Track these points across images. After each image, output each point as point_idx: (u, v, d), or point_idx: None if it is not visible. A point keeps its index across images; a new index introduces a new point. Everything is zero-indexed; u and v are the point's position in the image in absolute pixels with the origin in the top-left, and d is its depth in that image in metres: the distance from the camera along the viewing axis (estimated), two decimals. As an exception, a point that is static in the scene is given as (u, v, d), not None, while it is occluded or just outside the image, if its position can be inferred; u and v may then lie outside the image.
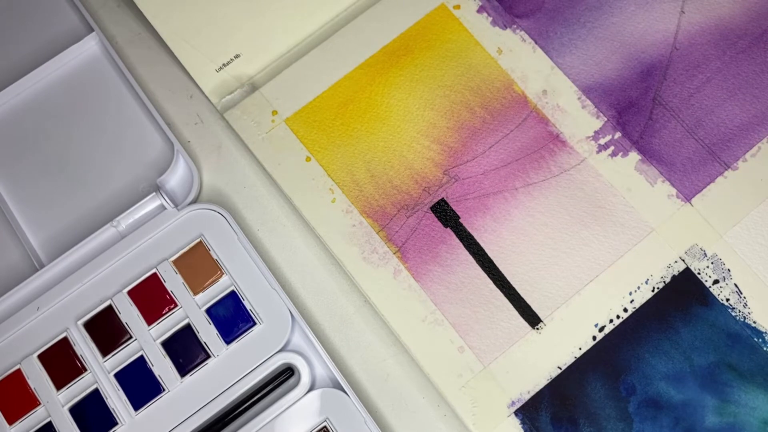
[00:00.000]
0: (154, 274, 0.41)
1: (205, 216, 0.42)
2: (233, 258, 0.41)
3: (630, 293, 0.40)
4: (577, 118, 0.43)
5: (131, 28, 0.48)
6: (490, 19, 0.45)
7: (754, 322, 0.39)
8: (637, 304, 0.39)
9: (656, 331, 0.39)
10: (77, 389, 0.40)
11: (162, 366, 0.40)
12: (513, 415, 0.38)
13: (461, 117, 0.43)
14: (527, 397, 0.38)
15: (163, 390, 0.40)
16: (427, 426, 0.39)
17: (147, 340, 0.40)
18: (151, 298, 0.41)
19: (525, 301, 0.40)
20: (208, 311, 0.41)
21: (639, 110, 0.42)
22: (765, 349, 0.38)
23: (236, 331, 0.40)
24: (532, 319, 0.40)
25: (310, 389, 0.39)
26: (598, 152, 0.42)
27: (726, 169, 0.41)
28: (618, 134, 0.42)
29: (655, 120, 0.42)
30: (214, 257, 0.41)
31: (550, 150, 0.42)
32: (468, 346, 0.39)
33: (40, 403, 0.40)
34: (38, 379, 0.40)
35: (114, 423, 0.39)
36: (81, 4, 0.47)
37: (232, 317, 0.40)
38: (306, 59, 0.45)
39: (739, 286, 0.39)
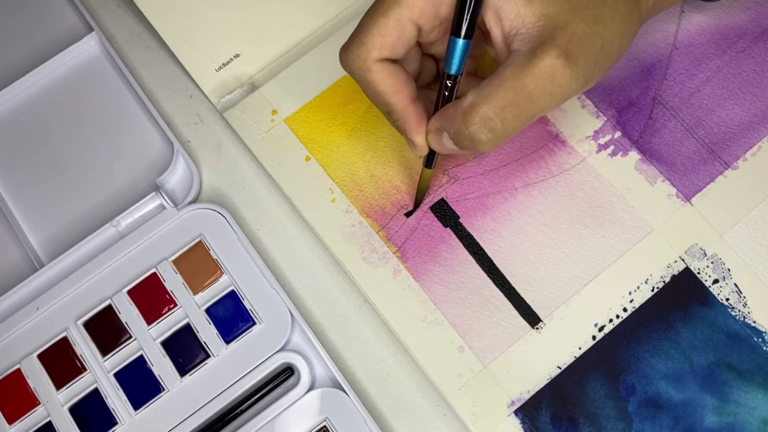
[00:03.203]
0: (154, 274, 0.41)
1: (205, 216, 0.42)
2: (233, 258, 0.41)
3: (630, 293, 0.40)
4: (577, 118, 0.43)
5: (131, 28, 0.48)
6: (490, 18, 0.45)
7: (754, 322, 0.39)
8: (637, 304, 0.39)
9: (656, 330, 0.39)
10: (77, 389, 0.40)
11: (162, 366, 0.40)
12: (513, 414, 0.38)
13: (461, 117, 0.43)
14: (527, 396, 0.38)
15: (163, 390, 0.40)
16: (427, 426, 0.39)
17: (147, 339, 0.40)
18: (151, 297, 0.41)
19: (525, 301, 0.40)
20: (208, 311, 0.41)
21: (639, 110, 0.42)
22: (765, 348, 0.38)
23: (236, 330, 0.40)
24: (532, 318, 0.40)
25: (310, 389, 0.39)
26: (597, 152, 0.42)
27: (726, 169, 0.41)
28: (618, 134, 0.42)
29: (655, 119, 0.42)
30: (214, 257, 0.41)
31: (550, 150, 0.42)
32: (468, 345, 0.39)
33: (39, 403, 0.40)
34: (38, 378, 0.40)
35: (114, 423, 0.39)
36: (81, 4, 0.47)
37: (231, 317, 0.40)
38: (306, 59, 0.45)
39: (738, 285, 0.39)
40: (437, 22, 0.36)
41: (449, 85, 0.36)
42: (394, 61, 0.37)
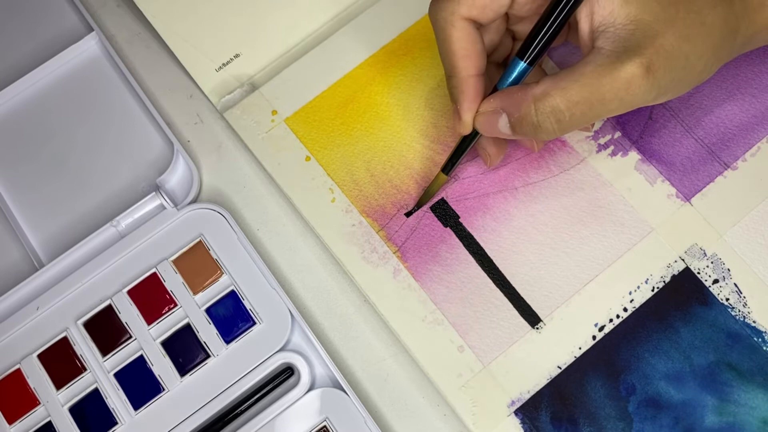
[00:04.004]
0: (154, 274, 0.41)
1: (205, 216, 0.42)
2: (233, 258, 0.41)
3: (630, 293, 0.40)
4: (577, 118, 0.43)
5: (131, 28, 0.48)
6: (490, 19, 0.45)
7: (754, 322, 0.39)
8: (637, 304, 0.39)
9: (656, 330, 0.39)
10: (77, 389, 0.40)
11: (162, 366, 0.40)
12: (513, 414, 0.38)
13: (461, 117, 0.43)
14: (527, 396, 0.38)
15: (163, 390, 0.40)
16: (427, 426, 0.39)
17: (147, 339, 0.40)
18: (151, 297, 0.41)
19: (525, 301, 0.40)
20: (208, 311, 0.41)
21: (638, 110, 0.42)
22: (765, 348, 0.38)
23: (236, 330, 0.40)
24: (532, 318, 0.40)
25: (310, 389, 0.39)
26: (597, 152, 0.42)
27: (726, 169, 0.41)
28: (618, 134, 0.42)
29: (654, 120, 0.42)
30: (214, 257, 0.41)
31: (550, 149, 0.42)
32: (468, 345, 0.39)
33: (39, 403, 0.40)
34: (38, 378, 0.40)
35: (114, 423, 0.39)
36: (81, 4, 0.47)
37: (231, 317, 0.40)
38: (306, 59, 0.45)
39: (738, 285, 0.39)
40: None
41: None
42: (477, 27, 0.37)
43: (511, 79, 0.37)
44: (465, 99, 0.37)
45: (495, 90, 0.37)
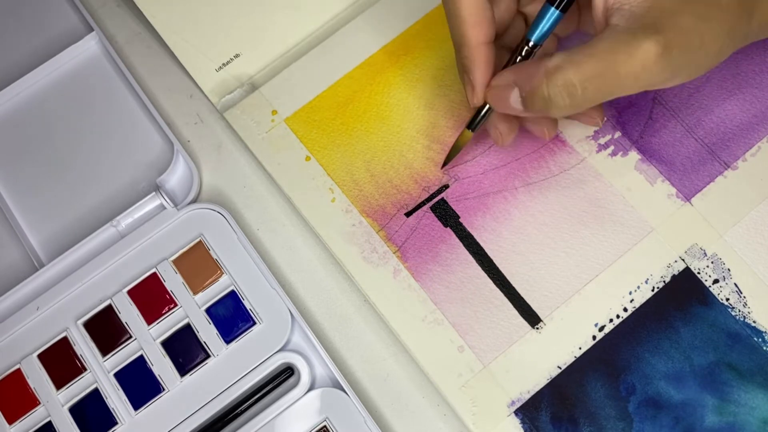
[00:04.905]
0: (154, 274, 0.41)
1: (205, 216, 0.42)
2: (233, 258, 0.41)
3: (630, 293, 0.40)
4: (577, 118, 0.43)
5: (131, 28, 0.48)
6: (490, 18, 0.45)
7: (754, 322, 0.39)
8: (637, 304, 0.39)
9: (656, 330, 0.39)
10: (77, 389, 0.40)
11: (162, 366, 0.40)
12: (513, 414, 0.38)
13: (461, 116, 0.43)
14: (527, 396, 0.38)
15: (163, 390, 0.40)
16: (427, 426, 0.39)
17: (147, 339, 0.40)
18: (151, 297, 0.41)
19: (525, 301, 0.40)
20: (208, 311, 0.41)
21: (639, 110, 0.42)
22: (765, 348, 0.38)
23: (236, 330, 0.40)
24: (532, 318, 0.40)
25: (310, 389, 0.39)
26: (597, 152, 0.42)
27: (726, 169, 0.41)
28: (618, 134, 0.42)
29: (654, 119, 0.42)
30: (214, 257, 0.41)
31: (550, 149, 0.42)
32: (468, 345, 0.39)
33: (39, 403, 0.40)
34: (38, 378, 0.40)
35: (114, 423, 0.39)
36: (81, 4, 0.47)
37: (231, 317, 0.40)
38: (306, 59, 0.45)
39: (738, 285, 0.39)
40: None
41: (525, 53, 0.37)
42: None
43: (541, 27, 0.36)
44: (476, 68, 0.37)
45: (508, 65, 0.37)
